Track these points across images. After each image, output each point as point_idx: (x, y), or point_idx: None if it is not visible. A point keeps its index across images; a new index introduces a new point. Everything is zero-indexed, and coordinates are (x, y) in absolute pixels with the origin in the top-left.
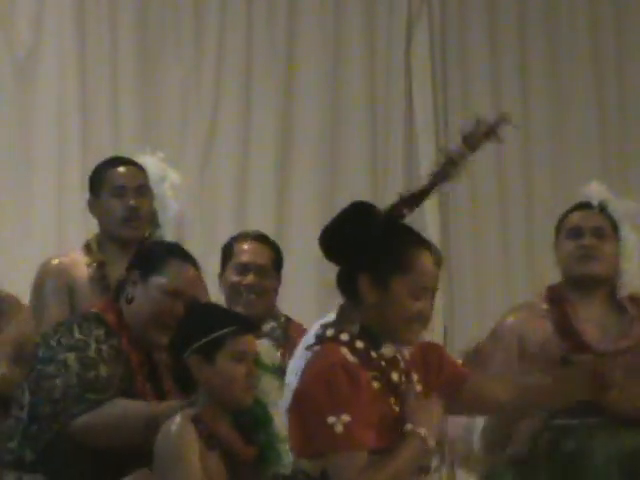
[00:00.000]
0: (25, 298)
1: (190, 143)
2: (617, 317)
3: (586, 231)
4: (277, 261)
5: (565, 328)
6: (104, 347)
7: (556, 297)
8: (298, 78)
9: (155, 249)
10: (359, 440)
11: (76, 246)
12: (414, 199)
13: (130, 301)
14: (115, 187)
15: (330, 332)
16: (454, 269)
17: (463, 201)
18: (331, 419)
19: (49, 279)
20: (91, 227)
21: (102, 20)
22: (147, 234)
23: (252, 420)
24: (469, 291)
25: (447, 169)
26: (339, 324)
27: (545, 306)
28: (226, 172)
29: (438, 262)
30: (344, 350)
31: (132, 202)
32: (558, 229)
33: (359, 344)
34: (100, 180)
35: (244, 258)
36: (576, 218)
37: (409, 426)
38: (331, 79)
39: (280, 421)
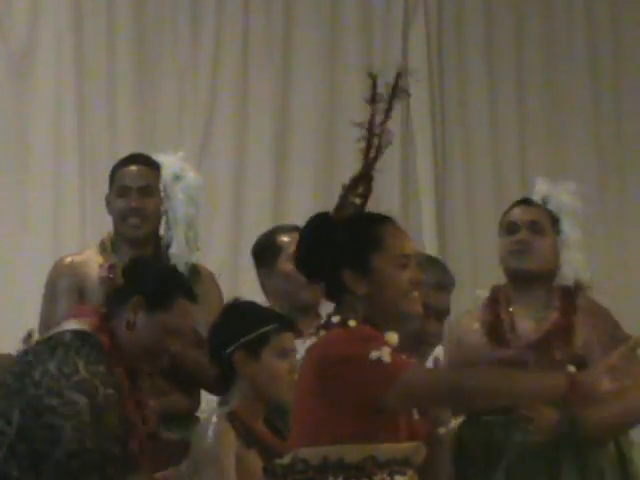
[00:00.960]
0: (23, 292)
1: (186, 139)
2: (548, 309)
3: (521, 226)
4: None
5: (492, 328)
6: (110, 391)
7: (493, 297)
8: (295, 74)
9: (164, 281)
10: (410, 362)
11: (92, 244)
12: (357, 184)
13: (130, 327)
14: (120, 187)
15: (336, 318)
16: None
17: (459, 199)
18: (375, 353)
19: (61, 277)
20: (88, 223)
21: (99, 16)
22: (160, 234)
23: (281, 416)
24: (467, 293)
25: (373, 142)
26: (342, 312)
27: (482, 307)
28: (223, 168)
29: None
30: None
31: (133, 202)
32: (500, 227)
33: (373, 329)
34: (112, 179)
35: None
36: (513, 214)
37: (571, 368)
38: (328, 76)
39: None
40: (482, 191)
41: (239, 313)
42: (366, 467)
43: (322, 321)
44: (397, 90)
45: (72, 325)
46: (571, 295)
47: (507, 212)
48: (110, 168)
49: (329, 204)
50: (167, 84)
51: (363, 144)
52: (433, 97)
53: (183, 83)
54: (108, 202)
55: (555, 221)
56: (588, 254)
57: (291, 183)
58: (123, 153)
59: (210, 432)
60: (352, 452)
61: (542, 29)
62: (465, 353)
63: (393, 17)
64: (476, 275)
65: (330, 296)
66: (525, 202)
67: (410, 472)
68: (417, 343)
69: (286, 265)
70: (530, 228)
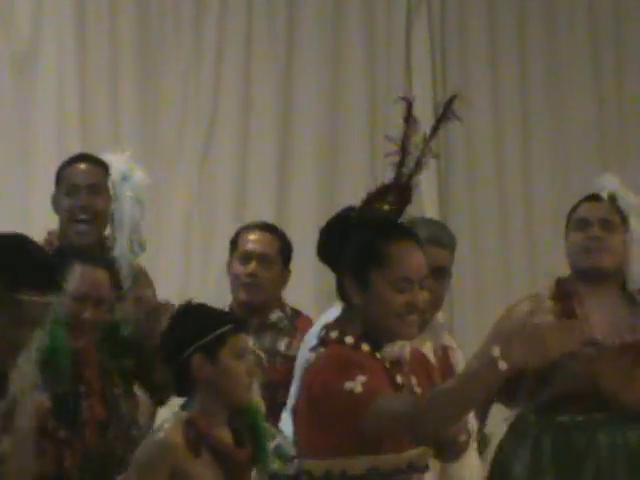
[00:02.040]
0: None
1: (189, 139)
2: (627, 310)
3: (594, 223)
4: (283, 251)
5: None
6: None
7: (563, 291)
8: (298, 74)
9: (61, 258)
10: (381, 390)
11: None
12: (386, 190)
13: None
14: (68, 185)
15: (334, 334)
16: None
17: (462, 202)
18: (348, 385)
19: None
20: None
21: (102, 15)
22: (106, 235)
23: (247, 420)
24: (469, 292)
25: (405, 157)
26: (341, 326)
27: (550, 300)
28: (225, 168)
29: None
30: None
31: (82, 201)
32: (567, 221)
33: (365, 347)
34: (59, 178)
35: (248, 247)
36: (584, 210)
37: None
38: (331, 75)
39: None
40: (485, 194)
41: (193, 316)
42: (370, 478)
43: (322, 333)
44: (449, 112)
45: None
46: None
47: (576, 208)
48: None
49: (332, 204)
50: (170, 84)
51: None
52: (436, 97)
53: (186, 83)
54: (55, 201)
55: (624, 219)
56: None
57: (294, 186)
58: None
59: (156, 438)
60: (355, 464)
61: (545, 29)
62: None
63: (396, 18)
64: (479, 282)
65: (338, 295)
66: (595, 198)
67: (415, 476)
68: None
69: (234, 264)
70: (602, 225)
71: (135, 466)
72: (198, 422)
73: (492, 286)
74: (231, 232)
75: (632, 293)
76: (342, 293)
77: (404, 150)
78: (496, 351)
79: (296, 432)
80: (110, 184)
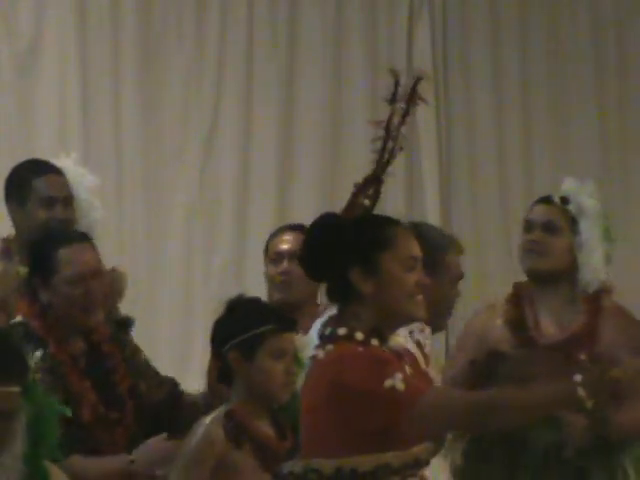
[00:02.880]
0: None
1: (191, 138)
2: (574, 311)
3: (536, 225)
4: None
5: (516, 325)
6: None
7: (516, 294)
8: (300, 74)
9: (40, 247)
10: (422, 387)
11: None
12: (368, 185)
13: (49, 305)
14: (43, 198)
15: (342, 331)
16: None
17: (464, 200)
18: (388, 382)
19: None
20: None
21: (103, 12)
22: None
23: (290, 415)
24: (471, 290)
25: (388, 145)
26: (346, 322)
27: (505, 304)
28: (228, 169)
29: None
30: (360, 349)
31: (60, 214)
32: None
33: (374, 342)
34: (27, 187)
35: (278, 248)
36: (531, 212)
37: (578, 376)
38: (333, 75)
39: None
40: (487, 193)
41: (237, 311)
42: (379, 474)
43: (326, 332)
44: (416, 95)
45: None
46: (597, 297)
47: (528, 210)
48: (115, 166)
49: (334, 203)
50: (172, 83)
51: (378, 144)
52: (438, 97)
53: (187, 83)
54: (16, 210)
55: (573, 222)
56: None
57: (296, 183)
58: (128, 152)
59: (198, 433)
60: (365, 462)
61: (547, 28)
62: (487, 349)
63: (398, 16)
64: (482, 278)
65: (333, 297)
66: (544, 201)
67: (420, 472)
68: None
69: (268, 266)
70: (545, 228)
71: (181, 461)
72: (237, 414)
73: (494, 282)
74: (233, 230)
75: (576, 294)
76: (343, 292)
77: (387, 135)
78: (582, 392)
79: (305, 430)
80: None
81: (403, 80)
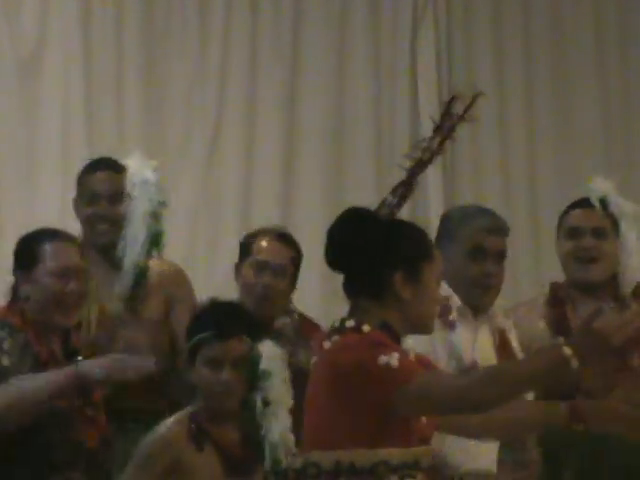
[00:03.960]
0: None
1: (195, 139)
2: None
3: (586, 231)
4: (296, 260)
5: (560, 327)
6: (5, 343)
7: (556, 296)
8: (303, 76)
9: (26, 242)
10: (417, 368)
11: None
12: (400, 186)
13: (27, 299)
14: (89, 194)
15: (350, 323)
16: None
17: (468, 198)
18: (383, 358)
19: None
20: None
21: (107, 16)
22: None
23: (251, 420)
24: None
25: (426, 158)
26: (356, 317)
27: (544, 306)
28: (231, 173)
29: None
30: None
31: (102, 210)
32: (559, 227)
33: (384, 336)
34: (80, 185)
35: (262, 256)
36: (576, 217)
37: (560, 339)
38: (336, 78)
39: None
40: (490, 194)
41: (195, 315)
42: (378, 471)
43: (336, 324)
44: (468, 114)
45: None
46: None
47: (567, 214)
48: None
49: (338, 204)
50: (175, 84)
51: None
52: (442, 99)
53: (191, 86)
54: (76, 207)
55: (615, 224)
56: None
57: (300, 187)
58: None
59: (159, 431)
60: (364, 457)
61: (551, 30)
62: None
63: (402, 19)
64: None
65: (351, 291)
66: (586, 205)
67: (420, 475)
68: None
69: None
70: (594, 233)
71: (136, 456)
72: (201, 416)
73: None
74: (237, 232)
75: (624, 298)
76: (373, 290)
77: (427, 148)
78: (567, 350)
79: (306, 423)
80: (128, 187)
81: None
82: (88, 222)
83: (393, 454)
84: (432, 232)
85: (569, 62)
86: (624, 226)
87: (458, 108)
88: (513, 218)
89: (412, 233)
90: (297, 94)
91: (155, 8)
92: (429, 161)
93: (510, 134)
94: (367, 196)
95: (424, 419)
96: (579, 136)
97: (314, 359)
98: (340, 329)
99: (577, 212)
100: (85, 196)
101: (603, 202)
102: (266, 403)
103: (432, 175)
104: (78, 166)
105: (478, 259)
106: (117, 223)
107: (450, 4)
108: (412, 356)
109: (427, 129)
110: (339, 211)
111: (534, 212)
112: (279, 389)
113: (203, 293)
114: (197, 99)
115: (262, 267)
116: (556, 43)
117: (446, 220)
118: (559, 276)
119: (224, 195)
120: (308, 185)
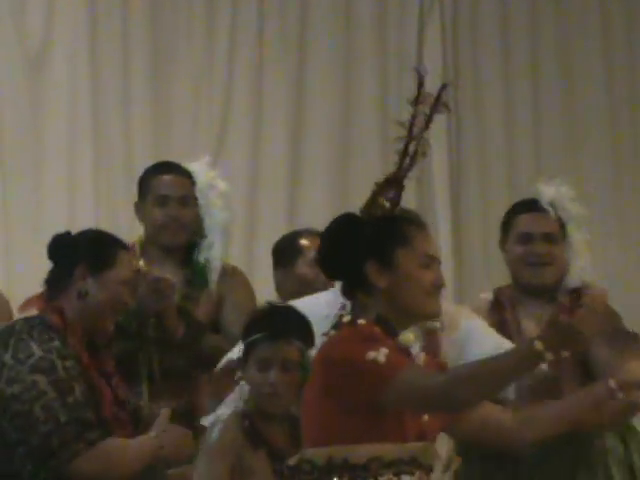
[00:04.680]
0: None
1: (201, 137)
2: (555, 310)
3: (537, 237)
4: None
5: (498, 328)
6: (68, 363)
7: (499, 300)
8: (309, 74)
9: (102, 243)
10: (404, 363)
11: None
12: (387, 186)
13: (84, 295)
14: (158, 196)
15: (347, 318)
16: (465, 263)
17: (474, 195)
18: (371, 354)
19: None
20: (102, 221)
21: (114, 13)
22: (194, 242)
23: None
24: (479, 289)
25: (410, 148)
26: (353, 311)
27: (488, 310)
28: (238, 172)
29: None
30: None
31: (173, 212)
32: (506, 229)
33: (376, 329)
34: (146, 186)
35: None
36: (527, 222)
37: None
38: (343, 75)
39: None
40: (497, 193)
41: (251, 317)
42: (372, 467)
43: (334, 320)
44: (440, 102)
45: (20, 316)
46: (577, 294)
47: (516, 218)
48: (124, 166)
49: (345, 203)
50: (182, 81)
51: (400, 145)
52: (448, 96)
53: (198, 86)
54: (139, 209)
55: (563, 228)
56: (592, 255)
57: (306, 187)
58: (138, 151)
59: (217, 428)
60: (357, 452)
61: (558, 26)
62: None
63: (408, 17)
64: (490, 278)
65: (348, 295)
66: (536, 209)
67: (418, 472)
68: None
69: (303, 268)
70: (546, 238)
71: (203, 458)
72: (252, 416)
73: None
74: (243, 233)
75: (557, 294)
76: (356, 284)
77: (410, 137)
78: (539, 344)
79: (302, 421)
80: (198, 193)
81: (426, 80)
82: (159, 225)
83: (387, 450)
84: (440, 221)
85: (575, 51)
86: (571, 229)
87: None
88: None
89: (383, 221)
90: (304, 92)
91: (162, 6)
92: (416, 154)
93: (516, 123)
94: None
95: (426, 416)
96: (586, 124)
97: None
98: (337, 324)
99: (528, 217)
100: (153, 198)
101: (552, 206)
102: None
103: (439, 173)
104: (84, 163)
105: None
106: (186, 226)
107: (457, 2)
108: (421, 359)
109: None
110: (346, 207)
111: None
112: None
113: None
114: (203, 95)
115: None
116: (562, 33)
117: None
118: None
119: (230, 193)
120: (315, 184)
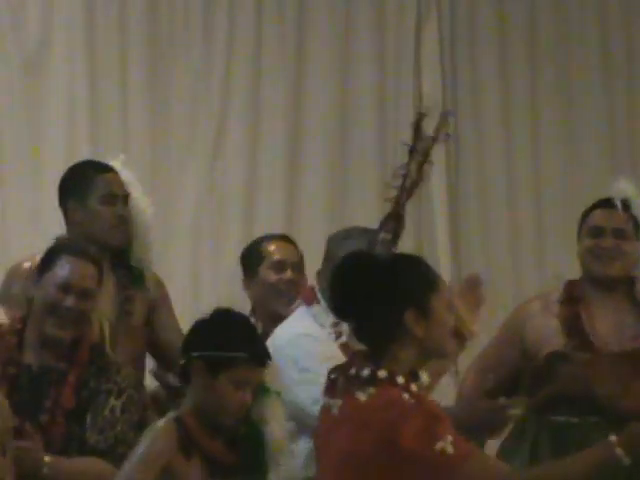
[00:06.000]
0: None
1: (199, 138)
2: (633, 317)
3: (607, 232)
4: (302, 260)
5: (573, 327)
6: None
7: (571, 294)
8: (308, 75)
9: (50, 250)
10: (471, 448)
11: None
12: (388, 220)
13: (30, 302)
14: (105, 194)
15: (383, 373)
16: (464, 268)
17: (472, 206)
18: (439, 445)
19: (16, 283)
20: None
21: (112, 15)
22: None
23: (248, 442)
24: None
25: (408, 186)
26: (384, 363)
27: (558, 303)
28: (235, 167)
29: None
30: (405, 395)
31: (121, 211)
32: (580, 226)
33: (413, 386)
34: (88, 184)
35: (279, 256)
36: (598, 217)
37: (612, 437)
38: (341, 77)
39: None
40: (495, 196)
41: (221, 324)
42: None
43: (363, 372)
44: (440, 135)
45: None
46: None
47: (589, 213)
48: (122, 167)
49: (341, 210)
50: (180, 82)
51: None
52: (445, 100)
53: (196, 81)
54: (73, 209)
55: (637, 225)
56: None
57: (303, 191)
58: (136, 153)
59: (149, 437)
60: None
61: (556, 28)
62: (528, 343)
63: (406, 20)
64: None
65: (364, 337)
66: (609, 205)
67: None
68: None
69: (267, 273)
70: (615, 234)
71: (129, 464)
72: (189, 423)
73: (502, 280)
74: (240, 237)
75: (636, 299)
76: (382, 332)
77: (405, 176)
78: (619, 451)
79: (341, 475)
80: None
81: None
82: (107, 223)
83: None
84: (438, 235)
85: (573, 53)
86: None
87: (430, 128)
88: (517, 219)
89: (414, 268)
90: (301, 94)
91: (159, 9)
92: (412, 188)
93: (514, 125)
94: (371, 197)
95: None
96: (584, 135)
97: (335, 401)
98: (372, 380)
99: (599, 212)
100: (99, 197)
101: (625, 203)
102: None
103: (438, 185)
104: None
105: None
106: (130, 225)
107: (454, 5)
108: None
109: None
110: (344, 210)
111: (538, 213)
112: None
113: (207, 292)
114: (201, 97)
115: (282, 266)
116: (561, 38)
117: None
118: (563, 277)
119: (228, 194)
120: (312, 188)
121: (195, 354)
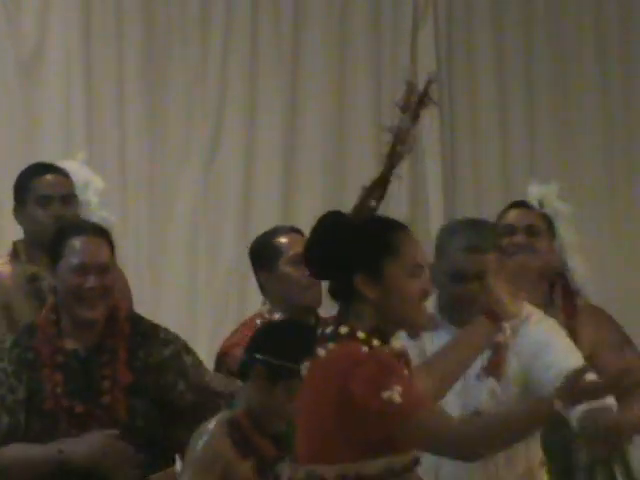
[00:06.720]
0: None
1: (195, 143)
2: (551, 312)
3: (519, 229)
4: None
5: None
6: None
7: None
8: (303, 79)
9: (52, 237)
10: (421, 400)
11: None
12: (376, 187)
13: (54, 291)
14: (40, 196)
15: (344, 329)
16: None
17: (468, 200)
18: (386, 394)
19: None
20: None
21: (108, 18)
22: None
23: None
24: None
25: (397, 148)
26: (346, 321)
27: None
28: (232, 174)
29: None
30: (364, 348)
31: (57, 212)
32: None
33: (375, 342)
34: (26, 189)
35: (297, 250)
36: (511, 216)
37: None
38: (337, 80)
39: None
40: (491, 190)
41: (287, 333)
42: (384, 477)
43: (327, 330)
44: (426, 98)
45: None
46: (572, 296)
47: (503, 215)
48: (119, 171)
49: (338, 208)
50: (176, 87)
51: (387, 148)
52: (442, 100)
53: (192, 86)
54: (17, 213)
55: (550, 225)
56: (590, 255)
57: (300, 188)
58: (132, 156)
59: (204, 438)
60: (370, 467)
61: (551, 32)
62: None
63: (402, 21)
64: None
65: (335, 296)
66: (521, 205)
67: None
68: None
69: (286, 267)
70: (527, 231)
71: (189, 469)
72: (243, 424)
73: None
74: (237, 235)
75: (553, 296)
76: (340, 294)
77: (396, 140)
78: (558, 403)
79: (307, 433)
80: (77, 191)
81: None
82: (41, 225)
83: (397, 460)
84: (433, 230)
85: (570, 57)
86: (560, 227)
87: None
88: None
89: (374, 232)
90: (298, 97)
91: (155, 9)
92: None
93: (510, 125)
94: None
95: None
96: (580, 129)
97: (307, 364)
98: (334, 336)
99: (512, 212)
100: (35, 199)
101: (540, 204)
102: None
103: (432, 176)
104: (81, 165)
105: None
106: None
107: (450, 5)
108: (402, 349)
109: (426, 130)
110: (340, 206)
111: None
112: None
113: (204, 296)
114: (197, 102)
115: (299, 261)
116: (557, 39)
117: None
118: None
119: (225, 199)
120: (309, 190)
121: (259, 357)
